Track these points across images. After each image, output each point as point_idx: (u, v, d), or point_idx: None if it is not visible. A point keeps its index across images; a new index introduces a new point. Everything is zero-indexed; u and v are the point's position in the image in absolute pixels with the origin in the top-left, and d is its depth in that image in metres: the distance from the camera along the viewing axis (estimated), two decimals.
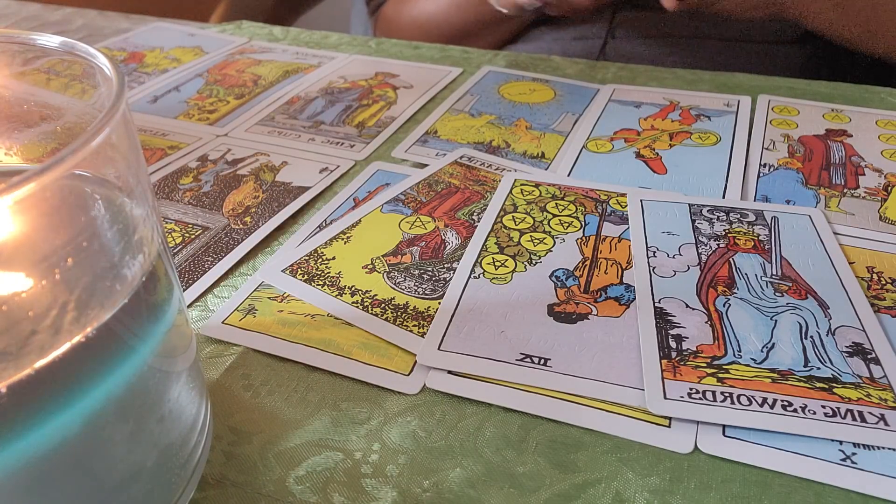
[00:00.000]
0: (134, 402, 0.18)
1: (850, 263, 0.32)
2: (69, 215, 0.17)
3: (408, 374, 0.27)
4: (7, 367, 0.15)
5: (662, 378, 0.26)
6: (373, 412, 0.26)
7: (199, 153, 0.43)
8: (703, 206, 0.36)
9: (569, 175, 0.40)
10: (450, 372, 0.27)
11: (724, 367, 0.26)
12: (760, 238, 0.34)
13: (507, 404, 0.26)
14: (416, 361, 0.27)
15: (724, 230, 0.34)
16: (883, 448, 0.24)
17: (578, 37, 0.67)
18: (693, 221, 0.35)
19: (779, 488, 0.23)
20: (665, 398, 0.25)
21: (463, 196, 0.38)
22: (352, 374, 0.27)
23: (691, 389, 0.25)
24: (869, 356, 0.27)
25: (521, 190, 0.38)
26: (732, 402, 0.25)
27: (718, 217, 0.35)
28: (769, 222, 0.35)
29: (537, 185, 0.38)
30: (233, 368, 0.28)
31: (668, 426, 0.25)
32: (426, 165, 0.41)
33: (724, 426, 0.24)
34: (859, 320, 0.29)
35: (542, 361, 0.27)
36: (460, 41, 0.66)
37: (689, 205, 0.36)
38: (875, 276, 0.31)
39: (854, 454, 0.24)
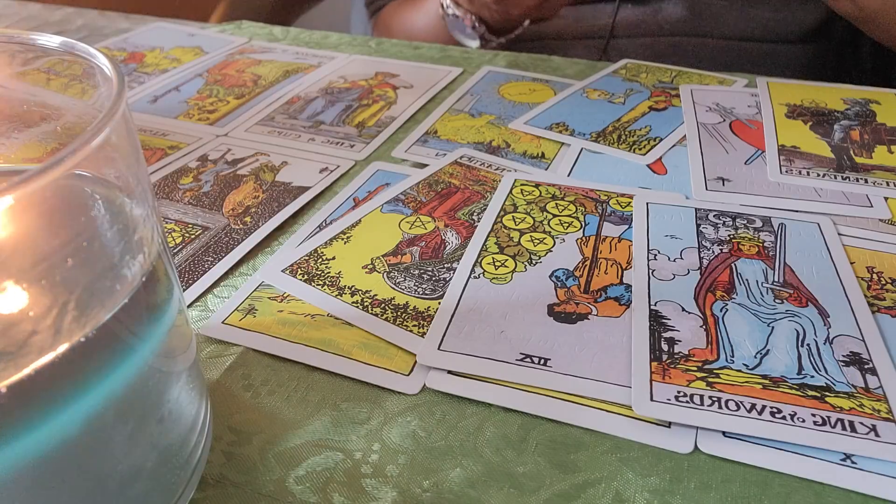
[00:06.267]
0: (134, 403, 0.18)
1: (850, 263, 0.32)
2: (69, 215, 0.17)
3: (408, 374, 0.27)
4: (7, 367, 0.15)
5: (651, 380, 0.26)
6: (373, 412, 0.26)
7: (199, 153, 0.43)
8: (710, 210, 0.36)
9: (569, 175, 0.40)
10: (450, 372, 0.27)
11: (715, 371, 0.26)
12: (765, 244, 0.33)
13: (507, 404, 0.26)
14: (416, 361, 0.27)
15: (729, 235, 0.34)
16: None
17: (581, 36, 0.67)
18: (698, 226, 0.35)
19: (779, 488, 0.23)
20: (651, 400, 0.25)
21: (463, 196, 0.38)
22: (352, 374, 0.27)
23: (679, 392, 0.25)
24: (866, 366, 0.26)
25: (521, 190, 0.38)
26: (720, 407, 0.25)
27: (724, 222, 0.35)
28: (776, 229, 0.34)
29: (537, 185, 0.38)
30: (233, 368, 0.28)
31: (668, 426, 0.25)
32: (426, 165, 0.41)
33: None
34: (860, 330, 0.28)
35: (542, 361, 0.27)
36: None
37: (696, 209, 0.36)
38: (875, 276, 0.31)
39: (854, 454, 0.23)
